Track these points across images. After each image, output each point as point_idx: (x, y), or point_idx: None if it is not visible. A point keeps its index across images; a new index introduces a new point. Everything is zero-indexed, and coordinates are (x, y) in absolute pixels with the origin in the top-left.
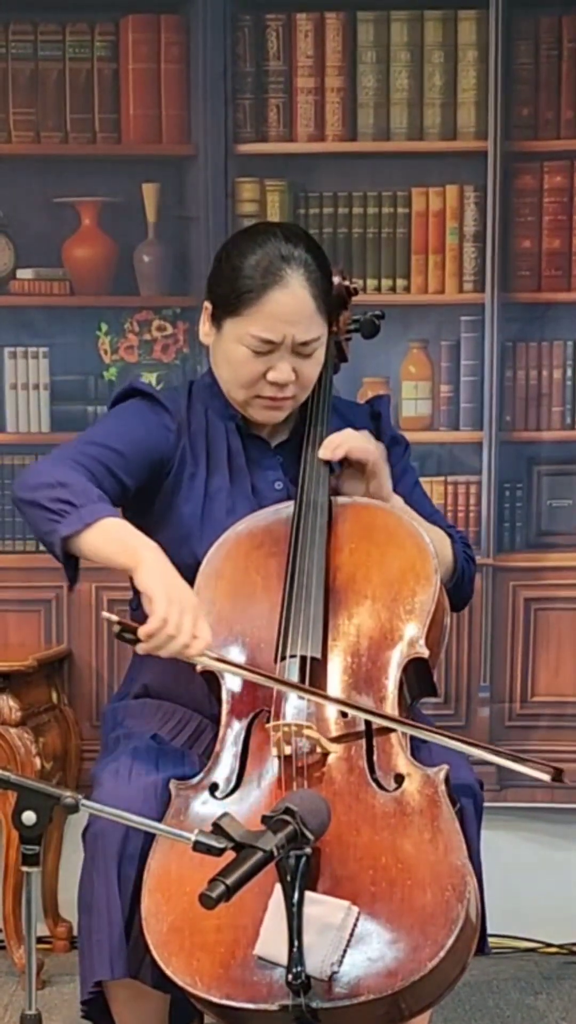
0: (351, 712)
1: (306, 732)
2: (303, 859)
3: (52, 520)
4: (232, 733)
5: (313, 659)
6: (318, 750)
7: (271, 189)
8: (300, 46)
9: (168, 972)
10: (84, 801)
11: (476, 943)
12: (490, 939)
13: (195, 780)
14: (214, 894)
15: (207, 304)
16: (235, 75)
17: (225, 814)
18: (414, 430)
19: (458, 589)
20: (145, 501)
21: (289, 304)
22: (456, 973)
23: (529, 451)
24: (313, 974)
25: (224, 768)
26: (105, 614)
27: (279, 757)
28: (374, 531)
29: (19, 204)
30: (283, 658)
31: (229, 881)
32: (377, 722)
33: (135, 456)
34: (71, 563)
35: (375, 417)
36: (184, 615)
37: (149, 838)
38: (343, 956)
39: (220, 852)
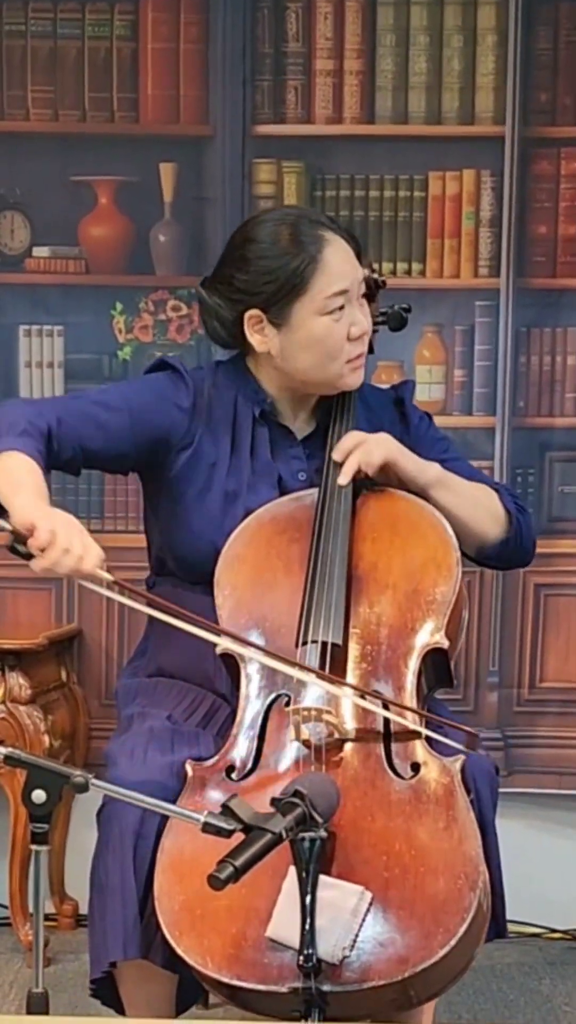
0: (363, 703)
1: (325, 717)
2: (317, 842)
3: None
4: (249, 715)
5: (334, 645)
6: (336, 735)
7: (288, 171)
8: (319, 28)
9: (179, 951)
10: (94, 780)
11: (486, 932)
12: None
13: (211, 761)
14: (222, 875)
15: (254, 313)
16: (254, 56)
17: (234, 796)
18: None
19: (518, 541)
20: (162, 480)
21: (341, 252)
22: (465, 962)
23: (541, 437)
24: (324, 958)
25: (241, 750)
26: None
27: (297, 741)
28: (397, 521)
29: (36, 182)
30: (303, 643)
31: (237, 863)
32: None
33: (139, 422)
34: None
35: (398, 403)
36: (71, 530)
37: (165, 819)
38: (355, 941)
39: (229, 834)
